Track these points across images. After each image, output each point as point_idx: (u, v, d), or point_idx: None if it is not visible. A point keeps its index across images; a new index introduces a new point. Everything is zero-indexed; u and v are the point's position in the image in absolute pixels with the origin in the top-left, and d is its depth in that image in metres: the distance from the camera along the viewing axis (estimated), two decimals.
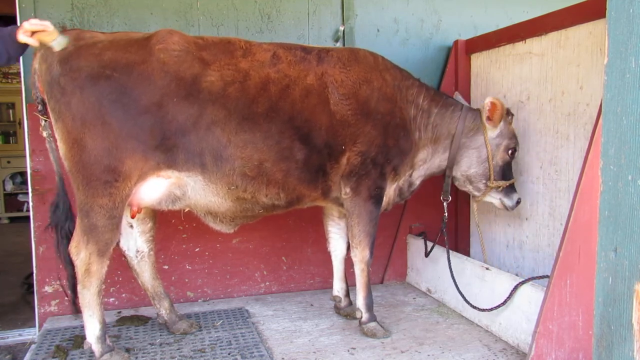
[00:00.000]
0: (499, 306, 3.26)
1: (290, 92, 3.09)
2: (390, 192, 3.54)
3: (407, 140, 3.42)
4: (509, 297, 3.20)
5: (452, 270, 3.69)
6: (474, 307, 3.44)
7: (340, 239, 3.78)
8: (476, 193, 3.66)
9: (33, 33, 2.65)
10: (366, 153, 3.25)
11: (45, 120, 2.90)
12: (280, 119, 3.05)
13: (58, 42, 2.70)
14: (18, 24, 3.67)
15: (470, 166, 3.57)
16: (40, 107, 2.88)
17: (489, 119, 3.46)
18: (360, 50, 3.48)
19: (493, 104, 3.40)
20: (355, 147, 3.24)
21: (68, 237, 2.97)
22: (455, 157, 3.56)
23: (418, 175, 3.64)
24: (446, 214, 3.77)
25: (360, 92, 3.26)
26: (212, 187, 3.04)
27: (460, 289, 3.62)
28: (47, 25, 2.67)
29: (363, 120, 3.24)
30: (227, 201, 3.11)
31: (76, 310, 3.01)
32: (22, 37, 2.65)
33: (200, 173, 2.98)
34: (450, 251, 3.84)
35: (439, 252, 4.01)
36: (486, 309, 3.35)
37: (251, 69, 3.04)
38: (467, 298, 3.52)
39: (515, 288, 3.17)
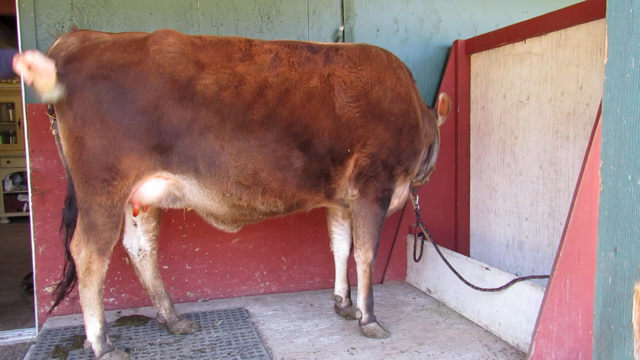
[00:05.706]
0: (494, 289, 3.32)
1: (289, 97, 2.99)
2: (402, 192, 3.55)
3: (420, 140, 3.42)
4: (505, 286, 3.23)
5: (439, 248, 3.80)
6: (468, 284, 3.53)
7: (344, 239, 3.77)
8: (421, 182, 3.86)
9: (30, 67, 2.57)
10: (376, 155, 3.20)
11: (55, 119, 2.90)
12: (277, 126, 2.96)
13: (50, 95, 2.69)
14: (18, 24, 3.67)
15: (434, 157, 3.80)
16: (49, 107, 2.89)
17: (441, 112, 3.73)
18: (373, 47, 3.37)
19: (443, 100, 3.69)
20: (364, 149, 3.18)
21: None
22: (434, 151, 3.77)
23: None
24: (418, 206, 3.90)
25: (372, 93, 3.18)
26: (207, 191, 3.00)
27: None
28: (49, 70, 2.63)
29: (374, 122, 3.17)
30: (224, 206, 3.07)
31: (58, 297, 3.14)
32: (19, 66, 2.56)
33: (194, 177, 2.95)
34: (451, 251, 3.86)
35: (437, 252, 4.01)
36: (479, 288, 3.43)
37: (247, 73, 2.94)
38: (462, 278, 3.60)
39: (514, 281, 3.20)
